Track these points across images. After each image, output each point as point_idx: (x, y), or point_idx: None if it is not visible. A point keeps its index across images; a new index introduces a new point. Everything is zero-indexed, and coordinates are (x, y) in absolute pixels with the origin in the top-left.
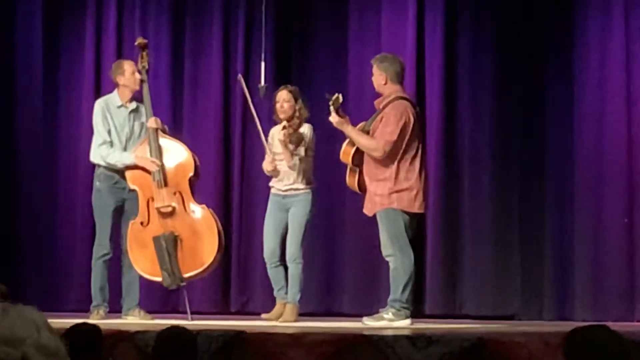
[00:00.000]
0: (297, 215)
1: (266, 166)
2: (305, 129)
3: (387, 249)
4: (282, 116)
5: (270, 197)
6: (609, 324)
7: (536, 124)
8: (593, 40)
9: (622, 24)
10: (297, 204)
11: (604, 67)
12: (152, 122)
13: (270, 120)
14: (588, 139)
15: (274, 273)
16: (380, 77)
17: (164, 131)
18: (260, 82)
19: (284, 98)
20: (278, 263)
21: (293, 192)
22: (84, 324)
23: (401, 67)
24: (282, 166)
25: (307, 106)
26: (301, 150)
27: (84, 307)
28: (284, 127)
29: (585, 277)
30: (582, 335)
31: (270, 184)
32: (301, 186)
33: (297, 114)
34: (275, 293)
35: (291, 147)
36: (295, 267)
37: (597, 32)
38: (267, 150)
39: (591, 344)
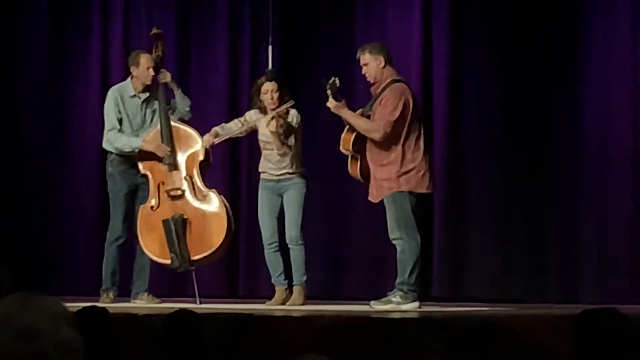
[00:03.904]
0: (295, 198)
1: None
2: (292, 116)
3: (394, 232)
4: (271, 107)
5: (261, 183)
6: (616, 306)
7: (542, 104)
8: (600, 11)
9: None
10: (293, 187)
11: (610, 40)
12: (164, 75)
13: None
14: (594, 119)
15: (272, 258)
16: (377, 61)
17: (174, 86)
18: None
19: (271, 89)
20: (277, 247)
21: (287, 177)
22: (93, 307)
23: (389, 52)
24: (272, 154)
25: (289, 91)
26: (291, 139)
27: (93, 290)
28: (273, 118)
29: (592, 260)
30: (591, 318)
31: (260, 169)
32: (295, 170)
33: (283, 102)
34: (273, 280)
35: (283, 137)
36: (297, 250)
37: None
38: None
39: (600, 327)
